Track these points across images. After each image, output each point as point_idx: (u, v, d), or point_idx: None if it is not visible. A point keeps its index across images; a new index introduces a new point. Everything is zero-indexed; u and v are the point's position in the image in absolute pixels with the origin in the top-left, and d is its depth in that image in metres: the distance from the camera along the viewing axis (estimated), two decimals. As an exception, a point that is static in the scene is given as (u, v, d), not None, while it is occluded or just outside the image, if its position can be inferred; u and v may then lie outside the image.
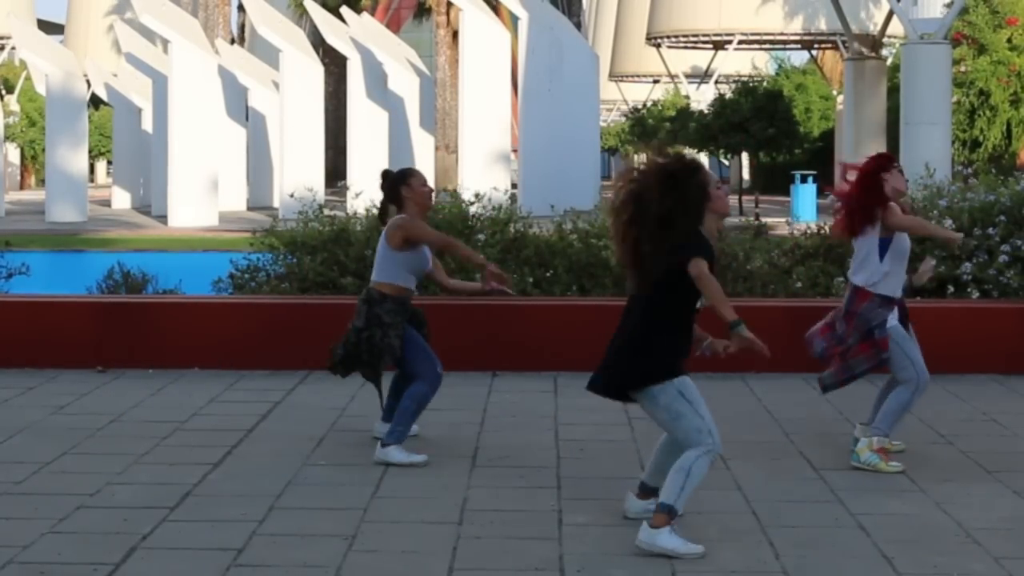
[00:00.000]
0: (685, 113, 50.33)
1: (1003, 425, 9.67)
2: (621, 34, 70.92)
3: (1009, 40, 36.39)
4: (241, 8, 59.94)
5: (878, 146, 37.14)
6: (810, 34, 52.13)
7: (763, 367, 11.37)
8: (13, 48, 55.15)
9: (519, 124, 37.40)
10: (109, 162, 64.93)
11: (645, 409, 6.87)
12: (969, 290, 12.59)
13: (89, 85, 48.42)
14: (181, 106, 37.45)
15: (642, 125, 54.77)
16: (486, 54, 35.72)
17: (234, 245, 20.63)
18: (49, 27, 72.61)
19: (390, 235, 8.50)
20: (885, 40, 42.55)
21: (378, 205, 8.86)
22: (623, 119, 69.27)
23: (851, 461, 8.31)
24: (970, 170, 15.20)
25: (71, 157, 40.16)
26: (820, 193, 37.14)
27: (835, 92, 51.38)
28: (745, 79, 51.35)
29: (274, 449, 8.78)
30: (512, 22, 41.93)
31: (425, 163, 39.93)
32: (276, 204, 40.13)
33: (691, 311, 6.80)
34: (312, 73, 39.28)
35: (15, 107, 63.52)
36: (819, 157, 50.05)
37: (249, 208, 43.11)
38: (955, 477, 8.10)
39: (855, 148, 37.04)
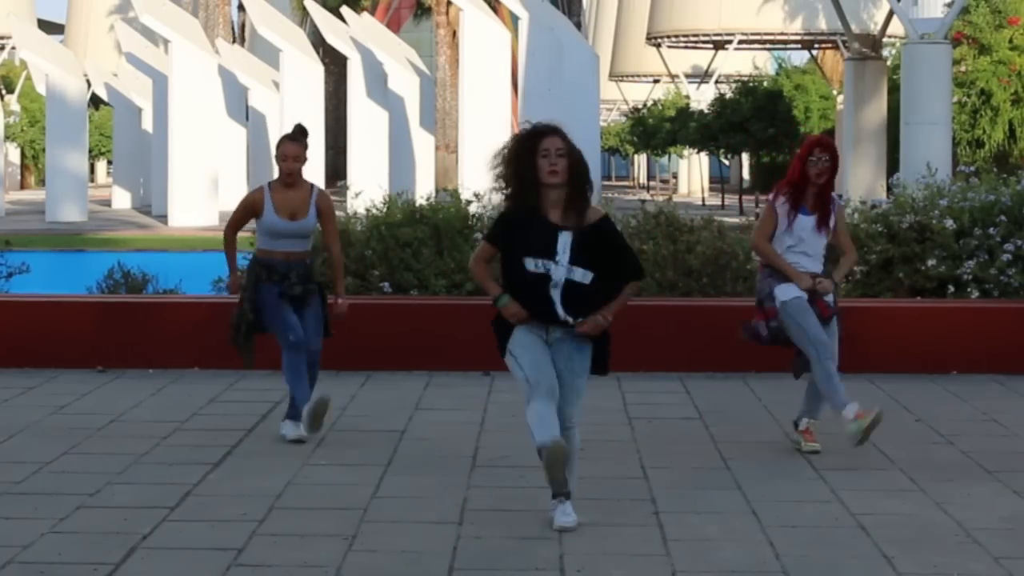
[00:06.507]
0: (685, 113, 50.34)
1: (1003, 425, 9.67)
2: (621, 34, 70.89)
3: (1010, 40, 36.36)
4: (241, 8, 59.95)
5: (878, 146, 37.14)
6: (810, 34, 52.08)
7: (763, 367, 11.39)
8: (13, 48, 55.14)
9: (519, 124, 37.41)
10: (109, 162, 64.93)
11: None
12: (969, 290, 12.59)
13: (89, 85, 48.42)
14: (181, 106, 37.45)
15: (642, 125, 54.80)
16: (486, 54, 35.69)
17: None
18: (49, 27, 72.58)
19: None
20: (885, 40, 42.51)
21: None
22: (623, 119, 69.29)
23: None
24: (972, 169, 15.19)
25: (71, 157, 40.17)
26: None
27: (835, 92, 51.35)
28: (745, 79, 51.34)
29: (274, 449, 8.78)
30: (512, 22, 41.90)
31: (425, 163, 39.92)
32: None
33: (514, 279, 7.00)
34: (312, 73, 39.28)
35: (15, 107, 63.52)
36: (819, 157, 49.86)
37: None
38: (955, 477, 8.11)
39: (855, 148, 37.00)
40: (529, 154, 6.95)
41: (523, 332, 7.07)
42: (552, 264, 6.94)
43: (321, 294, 9.19)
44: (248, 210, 9.09)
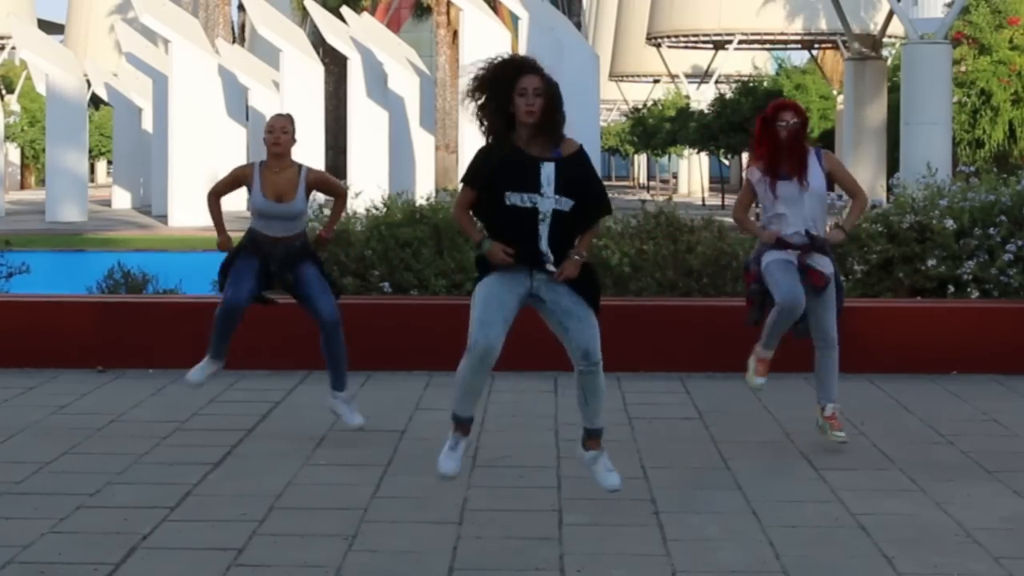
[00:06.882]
0: (685, 113, 50.39)
1: (1003, 425, 9.67)
2: (621, 34, 70.96)
3: (1010, 40, 36.37)
4: (241, 8, 59.94)
5: (878, 146, 37.15)
6: (810, 34, 52.14)
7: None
8: (13, 48, 55.16)
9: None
10: (109, 162, 64.98)
11: None
12: (969, 290, 12.59)
13: (89, 85, 48.46)
14: (181, 106, 37.46)
15: (642, 125, 54.83)
16: (486, 54, 35.58)
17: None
18: (49, 27, 72.64)
19: None
20: (885, 40, 42.52)
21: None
22: (623, 119, 69.33)
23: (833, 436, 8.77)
24: (972, 169, 15.19)
25: (71, 157, 40.19)
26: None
27: (835, 92, 51.37)
28: (745, 79, 51.36)
29: (274, 449, 8.78)
30: (512, 22, 41.89)
31: (425, 163, 39.92)
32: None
33: (497, 218, 6.88)
34: (312, 73, 39.28)
35: (15, 107, 63.55)
36: (819, 157, 49.81)
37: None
38: (955, 477, 8.10)
39: (855, 148, 37.00)
40: (507, 90, 6.89)
41: (497, 277, 6.90)
42: (538, 197, 6.85)
43: (316, 260, 9.18)
44: (235, 180, 9.07)
